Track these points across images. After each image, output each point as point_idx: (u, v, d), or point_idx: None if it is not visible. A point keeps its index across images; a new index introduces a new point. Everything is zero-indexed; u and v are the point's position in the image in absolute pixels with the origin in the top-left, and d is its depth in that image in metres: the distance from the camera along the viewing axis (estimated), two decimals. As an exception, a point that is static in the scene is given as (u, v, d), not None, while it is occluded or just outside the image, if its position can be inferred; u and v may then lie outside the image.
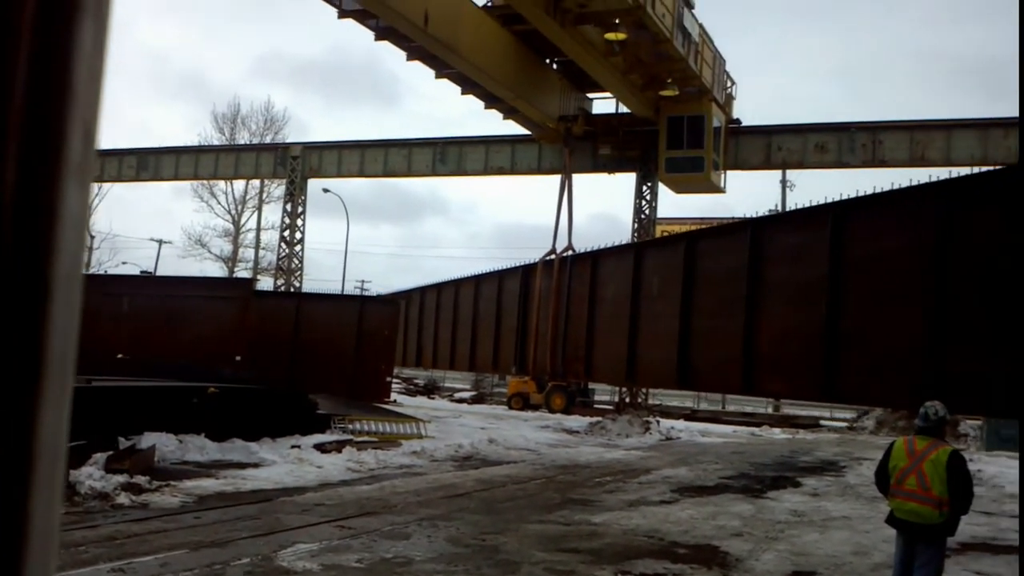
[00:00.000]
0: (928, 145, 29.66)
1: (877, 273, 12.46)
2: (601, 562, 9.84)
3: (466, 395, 45.13)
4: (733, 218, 15.96)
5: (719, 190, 33.01)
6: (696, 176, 31.51)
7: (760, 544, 11.33)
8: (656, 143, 31.99)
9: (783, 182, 49.16)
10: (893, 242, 12.25)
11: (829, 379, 12.76)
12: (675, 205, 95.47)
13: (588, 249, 20.16)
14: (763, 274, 14.36)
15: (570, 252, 22.56)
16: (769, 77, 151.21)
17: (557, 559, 9.91)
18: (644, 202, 34.42)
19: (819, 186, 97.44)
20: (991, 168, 11.74)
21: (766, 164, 33.10)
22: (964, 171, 12.06)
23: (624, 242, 18.60)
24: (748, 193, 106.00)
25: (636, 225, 34.23)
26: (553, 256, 22.21)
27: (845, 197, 13.18)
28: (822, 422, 40.37)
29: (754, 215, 15.36)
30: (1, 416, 0.52)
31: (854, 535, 12.18)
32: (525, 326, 22.05)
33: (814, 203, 13.93)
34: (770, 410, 44.66)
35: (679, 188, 33.80)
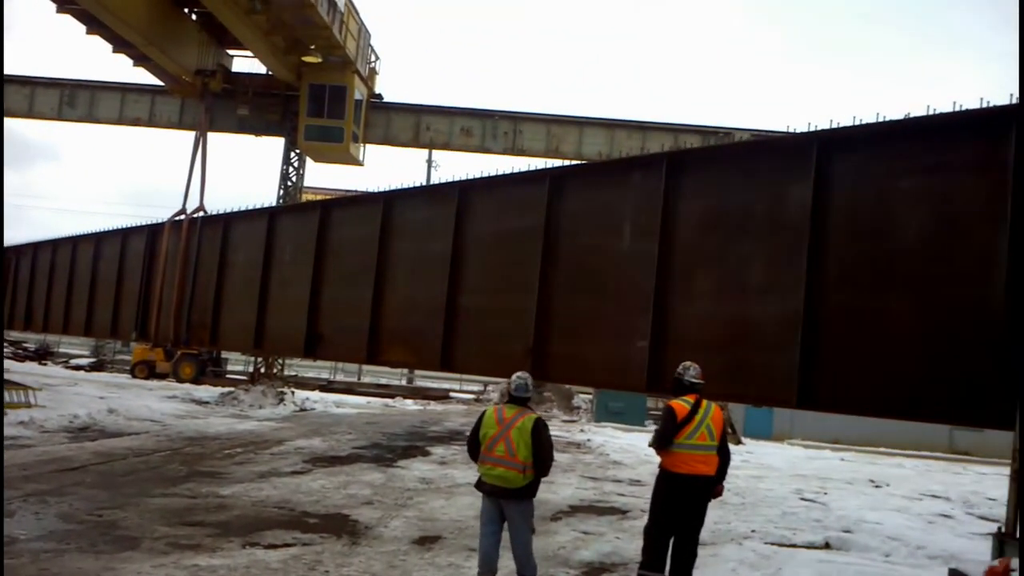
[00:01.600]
0: (563, 138, 31.76)
1: (499, 252, 13.14)
2: (229, 535, 9.54)
3: (84, 362, 41.73)
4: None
5: (358, 162, 33.04)
6: (336, 146, 31.33)
7: (390, 511, 11.56)
8: (297, 109, 31.45)
9: (429, 161, 50.49)
10: (514, 224, 12.95)
11: (447, 351, 13.28)
12: (327, 175, 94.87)
13: (220, 212, 19.27)
14: (392, 246, 14.61)
15: (201, 214, 21.41)
16: (422, 59, 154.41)
17: (182, 533, 9.47)
18: (292, 168, 33.77)
19: (464, 168, 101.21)
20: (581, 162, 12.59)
21: (415, 142, 33.68)
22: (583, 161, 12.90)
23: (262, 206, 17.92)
24: (398, 169, 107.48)
25: (282, 192, 33.49)
26: (183, 217, 20.96)
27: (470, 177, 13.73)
28: (452, 394, 42.01)
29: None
30: None
31: (478, 500, 12.78)
32: (149, 290, 20.68)
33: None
34: (404, 382, 45.76)
35: (318, 157, 33.37)
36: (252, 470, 14.48)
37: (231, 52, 31.87)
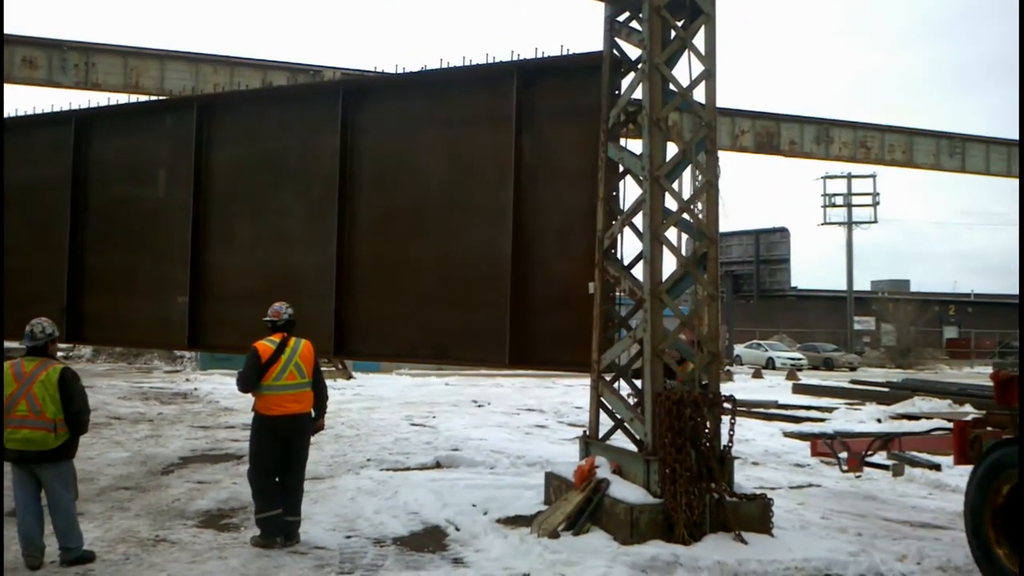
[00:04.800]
0: (143, 72, 29.77)
1: (25, 205, 12.24)
2: None
3: None
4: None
5: None
6: None
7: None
8: None
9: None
10: (39, 173, 12.15)
11: None
12: None
13: None
14: None
15: None
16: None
17: None
18: None
19: (29, 104, 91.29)
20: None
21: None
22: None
23: None
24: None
25: None
26: None
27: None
28: None
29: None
30: None
31: (78, 463, 12.03)
32: None
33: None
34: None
35: None
36: None
37: None
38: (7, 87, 44.96)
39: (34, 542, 7.14)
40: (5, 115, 10.56)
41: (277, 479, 8.03)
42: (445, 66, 9.60)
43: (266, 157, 10.58)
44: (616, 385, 9.22)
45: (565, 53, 9.10)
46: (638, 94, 8.72)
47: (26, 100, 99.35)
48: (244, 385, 8.04)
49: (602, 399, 9.08)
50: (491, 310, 9.29)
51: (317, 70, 30.06)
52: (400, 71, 9.85)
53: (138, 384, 26.08)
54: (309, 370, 8.10)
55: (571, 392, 24.27)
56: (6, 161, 12.13)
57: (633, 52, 9.10)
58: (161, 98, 11.25)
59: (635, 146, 8.87)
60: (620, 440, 9.20)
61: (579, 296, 8.95)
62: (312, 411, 8.22)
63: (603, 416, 9.20)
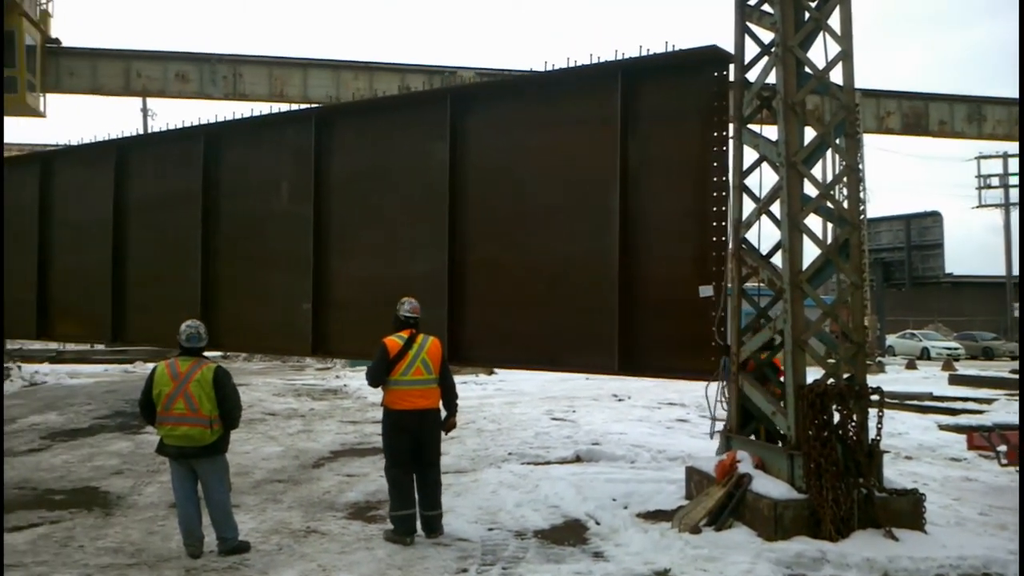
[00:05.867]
0: (287, 81, 30.92)
1: (161, 215, 12.82)
2: (-36, 523, 8.94)
3: None
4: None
5: (39, 114, 30.56)
6: (10, 97, 28.69)
7: (142, 479, 11.21)
8: None
9: (144, 110, 47.62)
10: (174, 185, 12.62)
11: (117, 322, 12.90)
12: (40, 129, 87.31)
13: None
14: (53, 211, 13.88)
15: None
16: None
17: (-90, 529, 8.76)
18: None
19: (183, 116, 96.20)
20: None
21: (126, 90, 31.63)
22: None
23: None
24: (111, 120, 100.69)
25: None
26: None
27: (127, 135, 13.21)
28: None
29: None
30: None
31: (234, 457, 12.61)
32: None
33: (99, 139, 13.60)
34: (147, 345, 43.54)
35: None
36: (-18, 454, 13.49)
37: None
38: (164, 101, 47.33)
39: (193, 533, 7.51)
40: (150, 130, 11.12)
41: (413, 477, 8.12)
42: (549, 69, 9.56)
43: (379, 166, 10.77)
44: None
45: (669, 51, 8.91)
46: (771, 79, 8.51)
47: (180, 113, 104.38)
48: (372, 379, 8.19)
49: (743, 392, 8.92)
50: (599, 316, 9.16)
51: (452, 71, 30.51)
52: (506, 75, 9.90)
53: (291, 381, 27.09)
54: (436, 366, 8.16)
55: (715, 386, 23.89)
56: (145, 174, 12.81)
57: (765, 36, 8.88)
58: (282, 110, 11.54)
59: (770, 132, 8.65)
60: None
61: (689, 300, 8.70)
62: (441, 408, 8.28)
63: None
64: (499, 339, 9.78)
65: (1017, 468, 9.88)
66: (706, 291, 8.57)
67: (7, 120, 31.90)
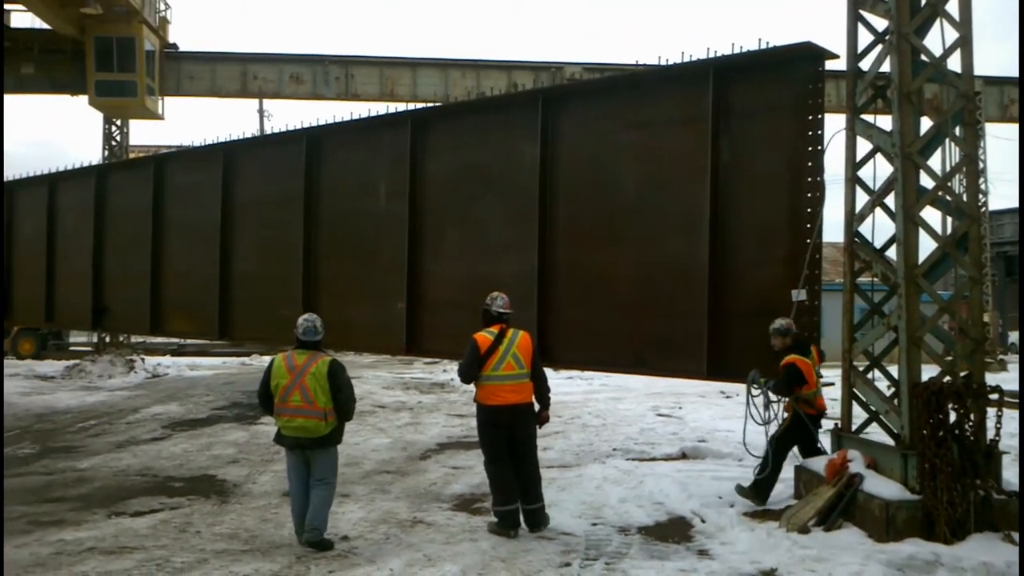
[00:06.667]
0: (397, 81, 31.38)
1: (265, 215, 13.11)
2: (92, 507, 9.42)
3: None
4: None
5: (157, 116, 31.61)
6: (130, 101, 29.82)
7: (256, 468, 11.59)
8: (84, 64, 29.62)
9: (260, 111, 49.06)
10: (277, 186, 12.88)
11: (224, 319, 13.24)
12: (160, 131, 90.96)
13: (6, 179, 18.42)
14: (166, 212, 14.37)
15: None
16: (241, 4, 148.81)
17: (42, 510, 9.29)
18: (115, 127, 32.28)
19: (297, 116, 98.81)
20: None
21: (243, 92, 32.59)
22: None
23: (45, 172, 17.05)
24: (227, 121, 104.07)
25: (107, 152, 32.05)
26: None
27: (235, 138, 13.54)
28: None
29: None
30: None
31: (345, 448, 12.91)
32: None
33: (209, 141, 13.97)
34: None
35: (113, 113, 31.73)
36: (109, 440, 14.16)
37: (7, 7, 29.59)
38: (278, 102, 48.60)
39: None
40: (267, 130, 11.42)
41: (513, 472, 8.10)
42: (638, 67, 9.46)
43: (471, 167, 10.84)
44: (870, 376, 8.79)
45: (761, 48, 8.68)
46: (886, 67, 8.26)
47: (294, 113, 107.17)
48: (464, 375, 8.14)
49: (855, 390, 8.69)
50: (687, 319, 8.99)
51: (559, 67, 30.50)
52: (595, 76, 9.84)
53: (400, 375, 27.57)
54: (527, 361, 8.09)
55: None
56: (250, 176, 13.20)
57: (879, 23, 8.62)
58: (379, 114, 11.69)
59: (884, 122, 8.39)
60: (875, 433, 8.76)
61: (781, 304, 8.44)
62: (534, 403, 8.22)
63: (857, 408, 8.79)
64: (587, 341, 9.72)
65: None
66: (799, 295, 8.33)
67: (132, 123, 33.28)
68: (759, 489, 8.93)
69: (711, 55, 8.98)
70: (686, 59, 9.23)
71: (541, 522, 8.14)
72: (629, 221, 9.48)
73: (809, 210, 8.37)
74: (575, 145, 9.95)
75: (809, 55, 8.46)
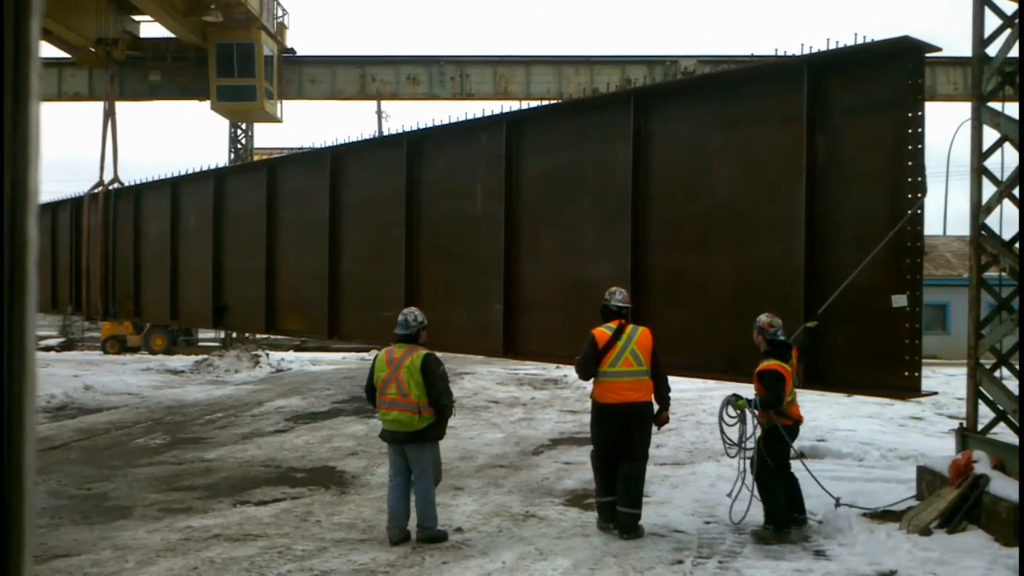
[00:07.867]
0: (511, 79, 31.54)
1: (370, 217, 13.31)
2: (218, 496, 9.82)
3: (53, 342, 41.46)
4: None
5: (276, 119, 32.47)
6: (249, 105, 30.75)
7: (375, 460, 11.86)
8: (207, 70, 30.69)
9: (379, 113, 50.01)
10: (380, 188, 13.08)
11: (333, 318, 13.50)
12: (282, 133, 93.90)
13: (132, 183, 19.27)
14: (279, 214, 14.75)
15: (116, 185, 21.25)
16: (355, 8, 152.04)
17: (172, 498, 9.73)
18: (240, 131, 33.44)
19: (413, 117, 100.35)
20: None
21: (362, 95, 33.27)
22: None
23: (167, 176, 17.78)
24: (346, 123, 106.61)
25: (232, 155, 33.25)
26: (99, 190, 20.81)
27: (341, 141, 13.76)
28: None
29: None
30: None
31: (461, 442, 13.13)
32: (79, 264, 20.71)
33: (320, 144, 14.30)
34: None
35: (234, 117, 32.79)
36: (235, 432, 14.71)
37: (136, 18, 30.91)
38: (395, 103, 49.39)
39: (395, 519, 7.73)
40: (384, 132, 11.61)
41: (615, 467, 7.95)
42: (731, 67, 9.25)
43: (564, 168, 10.78)
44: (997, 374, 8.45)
45: (858, 43, 8.34)
46: (1014, 52, 7.92)
47: (410, 114, 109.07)
48: (581, 371, 7.97)
49: (981, 388, 8.36)
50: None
51: (673, 60, 30.11)
52: (709, 69, 9.64)
53: (513, 371, 27.70)
54: (646, 358, 7.88)
55: (952, 382, 22.43)
56: (356, 179, 13.50)
57: (1008, 7, 8.26)
58: (475, 116, 11.74)
59: (1012, 110, 8.04)
60: (1003, 433, 8.42)
61: (880, 309, 8.07)
62: (653, 401, 8.03)
63: (983, 408, 8.46)
64: (679, 345, 9.55)
65: None
66: (899, 301, 7.97)
67: (255, 126, 34.40)
68: (776, 521, 8.03)
69: (806, 51, 8.75)
70: (780, 55, 9.03)
71: (630, 529, 7.83)
72: (723, 222, 9.30)
73: (910, 211, 8.05)
74: (668, 145, 9.84)
75: (908, 49, 8.12)
